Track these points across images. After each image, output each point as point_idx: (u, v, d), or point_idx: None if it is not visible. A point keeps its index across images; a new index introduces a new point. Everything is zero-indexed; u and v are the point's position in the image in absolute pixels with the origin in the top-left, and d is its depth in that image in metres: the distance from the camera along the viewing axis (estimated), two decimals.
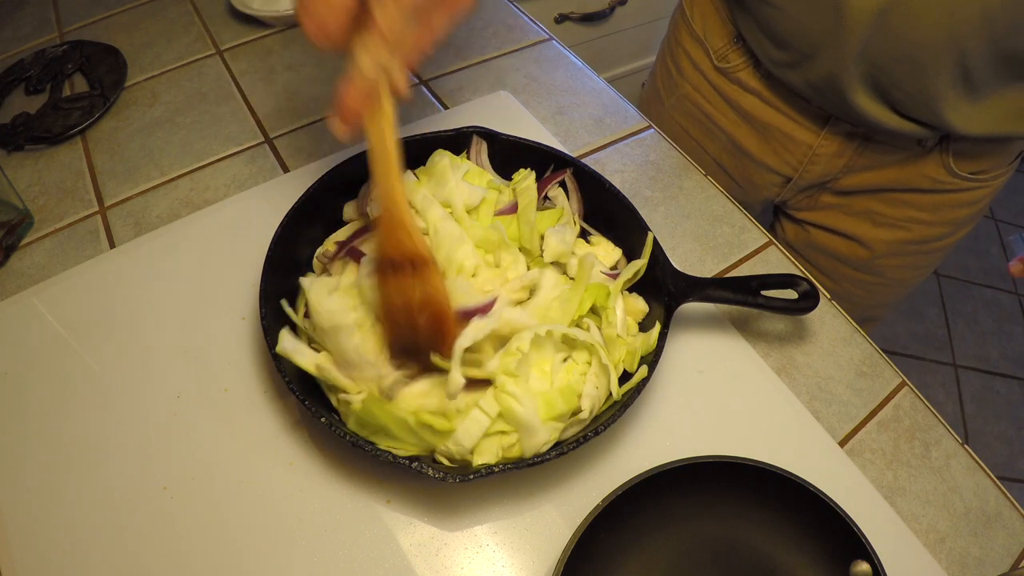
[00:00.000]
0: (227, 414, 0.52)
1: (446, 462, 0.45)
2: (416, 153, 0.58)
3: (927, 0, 0.55)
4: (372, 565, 0.46)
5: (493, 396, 0.45)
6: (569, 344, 0.50)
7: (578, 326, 0.50)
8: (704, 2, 0.78)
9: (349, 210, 0.59)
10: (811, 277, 0.56)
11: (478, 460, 0.45)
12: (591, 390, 0.47)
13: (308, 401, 0.45)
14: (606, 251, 0.58)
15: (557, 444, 0.46)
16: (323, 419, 0.44)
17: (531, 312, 0.49)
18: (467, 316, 0.46)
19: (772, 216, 0.94)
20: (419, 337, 0.46)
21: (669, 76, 0.86)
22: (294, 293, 0.53)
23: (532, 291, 0.51)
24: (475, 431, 0.44)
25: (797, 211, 0.85)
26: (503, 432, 0.45)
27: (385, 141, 0.45)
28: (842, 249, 0.82)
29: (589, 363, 0.49)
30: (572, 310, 0.50)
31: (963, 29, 0.55)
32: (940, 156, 0.70)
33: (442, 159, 0.56)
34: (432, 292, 0.46)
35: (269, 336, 0.47)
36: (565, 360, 0.49)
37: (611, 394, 0.48)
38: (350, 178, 0.56)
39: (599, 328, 0.51)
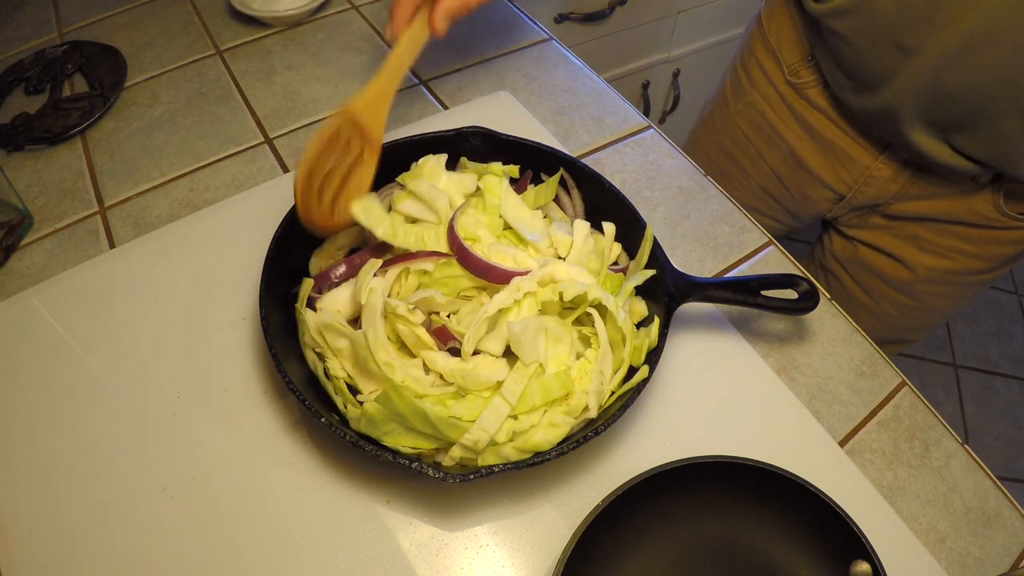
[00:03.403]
0: (227, 414, 0.52)
1: (449, 462, 0.45)
2: (416, 154, 0.58)
3: (989, 49, 0.56)
4: (372, 565, 0.46)
5: (512, 380, 0.46)
6: (583, 340, 0.50)
7: (587, 313, 0.50)
8: (782, 17, 0.80)
9: None
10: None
11: (483, 461, 0.45)
12: (596, 387, 0.47)
13: (308, 401, 0.45)
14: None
15: (557, 444, 0.46)
16: (323, 419, 0.44)
17: (571, 261, 0.53)
18: (505, 278, 0.50)
19: (820, 229, 0.95)
20: (322, 193, 0.52)
21: (739, 83, 0.88)
22: (293, 296, 0.53)
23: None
24: (495, 420, 0.44)
25: (847, 228, 0.87)
26: (513, 416, 0.46)
27: (404, 49, 0.58)
28: (886, 269, 0.84)
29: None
30: (603, 263, 0.54)
31: None
32: (991, 194, 0.71)
33: (427, 160, 0.57)
34: (358, 170, 0.54)
35: (269, 336, 0.47)
36: (579, 358, 0.49)
37: (614, 392, 0.48)
38: None
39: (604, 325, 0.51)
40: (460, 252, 0.51)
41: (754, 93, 0.85)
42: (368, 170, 0.54)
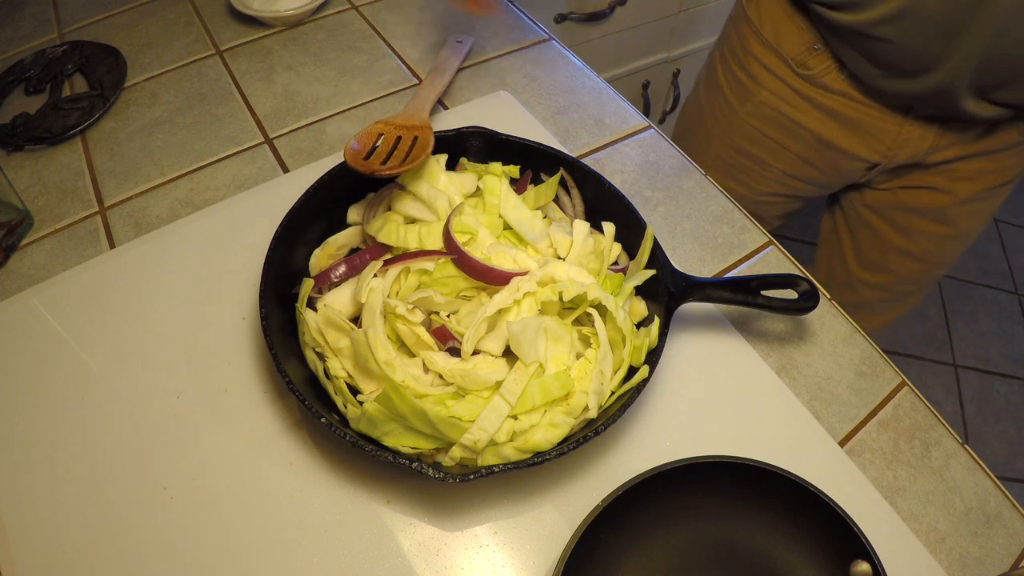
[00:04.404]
0: (227, 414, 0.52)
1: (449, 462, 0.45)
2: None
3: None
4: (372, 565, 0.46)
5: (512, 379, 0.46)
6: (583, 340, 0.50)
7: (587, 313, 0.50)
8: (775, 11, 0.79)
9: (353, 213, 0.59)
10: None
11: (483, 461, 0.45)
12: (596, 387, 0.47)
13: (308, 401, 0.45)
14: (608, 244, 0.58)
15: (557, 444, 0.46)
16: (323, 419, 0.44)
17: (571, 261, 0.52)
18: (503, 279, 0.50)
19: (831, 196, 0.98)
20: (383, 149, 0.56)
21: (740, 84, 0.86)
22: (293, 296, 0.53)
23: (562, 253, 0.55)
24: (494, 420, 0.44)
25: (880, 184, 0.88)
26: (513, 416, 0.46)
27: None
28: (922, 200, 0.86)
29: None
30: (602, 264, 0.54)
31: None
32: (1016, 124, 0.75)
33: (427, 160, 0.57)
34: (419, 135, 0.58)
35: (269, 336, 0.47)
36: (579, 358, 0.49)
37: (614, 392, 0.48)
38: (350, 179, 0.56)
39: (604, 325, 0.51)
40: (457, 255, 0.51)
41: (763, 92, 0.84)
42: (424, 140, 0.57)
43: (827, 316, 0.61)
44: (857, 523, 0.43)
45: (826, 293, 0.62)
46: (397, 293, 0.52)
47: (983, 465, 0.54)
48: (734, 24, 0.87)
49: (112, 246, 0.63)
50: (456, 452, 0.45)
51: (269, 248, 0.52)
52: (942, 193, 0.84)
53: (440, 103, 0.76)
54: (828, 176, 0.88)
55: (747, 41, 0.84)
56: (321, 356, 0.50)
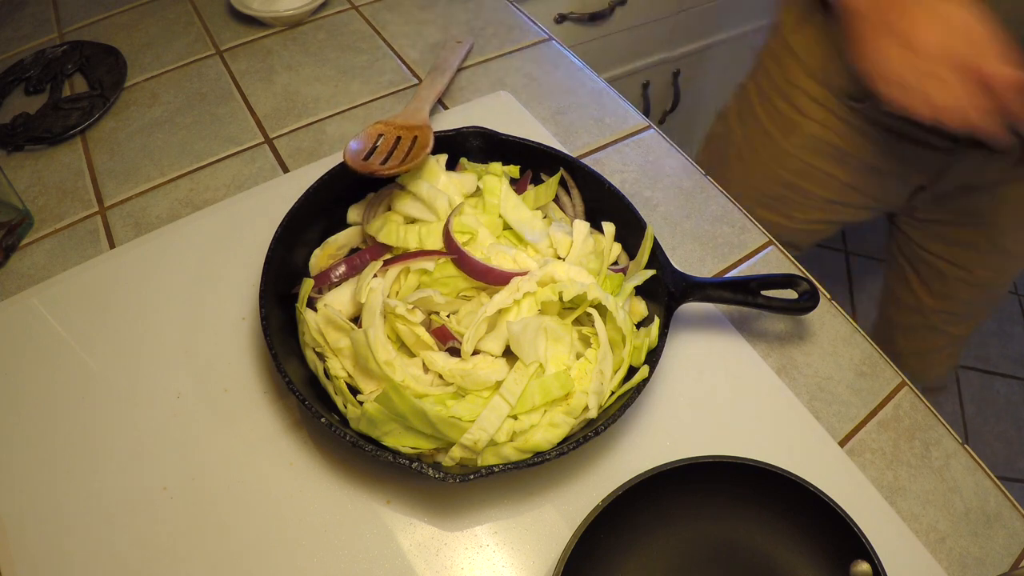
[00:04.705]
0: (227, 414, 0.52)
1: (449, 462, 0.45)
2: None
3: None
4: (372, 565, 0.46)
5: (512, 380, 0.46)
6: (583, 340, 0.50)
7: (587, 313, 0.50)
8: (823, 43, 0.78)
9: (353, 213, 0.59)
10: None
11: (483, 461, 0.45)
12: (596, 387, 0.47)
13: (308, 401, 0.45)
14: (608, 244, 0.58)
15: (557, 444, 0.46)
16: (323, 419, 0.44)
17: (571, 261, 0.52)
18: (503, 279, 0.50)
19: (889, 227, 1.00)
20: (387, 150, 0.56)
21: (783, 117, 0.85)
22: (293, 296, 0.53)
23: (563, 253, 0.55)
24: (494, 420, 0.44)
25: (923, 215, 0.89)
26: (513, 416, 0.46)
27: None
28: (969, 229, 0.87)
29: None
30: (602, 264, 0.54)
31: None
32: None
33: (427, 160, 0.57)
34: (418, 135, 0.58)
35: (269, 336, 0.47)
36: (579, 358, 0.49)
37: (614, 392, 0.48)
38: (350, 179, 0.56)
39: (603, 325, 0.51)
40: (457, 255, 0.51)
41: (811, 124, 0.83)
42: (424, 140, 0.57)
43: (827, 316, 0.61)
44: (857, 523, 0.43)
45: (826, 294, 0.62)
46: (397, 293, 0.52)
47: (983, 465, 0.54)
48: (772, 56, 0.86)
49: (112, 246, 0.63)
50: (456, 452, 0.45)
51: (269, 248, 0.52)
52: (990, 218, 0.84)
53: (440, 103, 0.76)
54: (873, 201, 0.88)
55: (790, 73, 0.82)
56: (321, 356, 0.50)
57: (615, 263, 0.58)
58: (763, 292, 0.53)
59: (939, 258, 0.93)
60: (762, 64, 0.89)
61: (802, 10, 0.79)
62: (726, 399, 0.54)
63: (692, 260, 0.64)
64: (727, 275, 0.63)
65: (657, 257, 0.54)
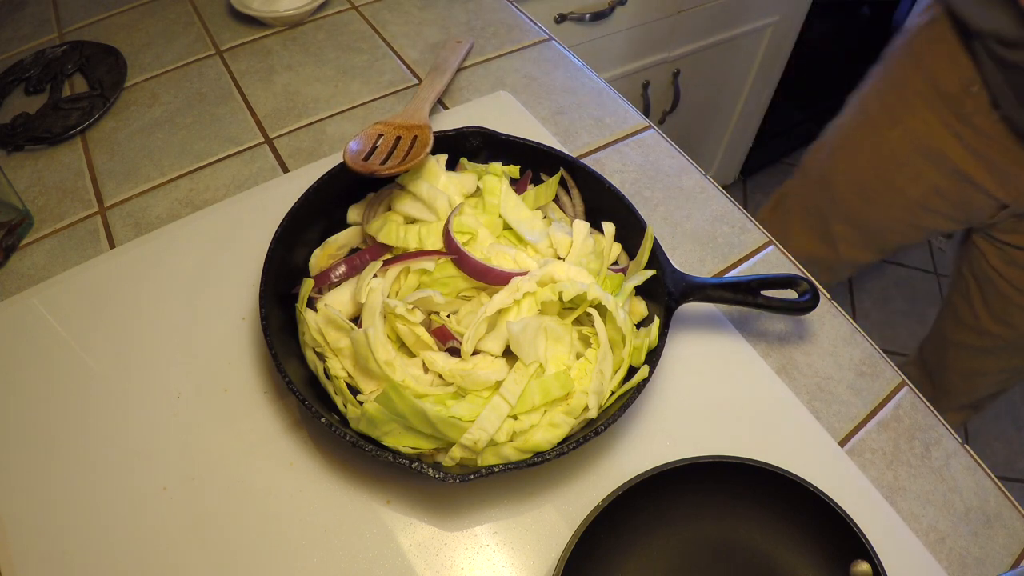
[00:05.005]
0: (227, 414, 0.52)
1: (449, 462, 0.45)
2: None
3: None
4: (372, 565, 0.46)
5: (512, 379, 0.46)
6: (583, 340, 0.50)
7: (587, 313, 0.50)
8: (940, 50, 0.82)
9: (353, 213, 0.59)
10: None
11: (483, 461, 0.45)
12: (596, 387, 0.47)
13: (308, 401, 0.45)
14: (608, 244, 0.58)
15: (557, 444, 0.46)
16: (323, 419, 0.44)
17: (571, 261, 0.52)
18: (503, 279, 0.50)
19: (964, 241, 1.03)
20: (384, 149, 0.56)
21: (891, 109, 0.90)
22: (293, 296, 0.53)
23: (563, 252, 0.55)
24: (494, 420, 0.44)
25: (1001, 234, 0.91)
26: (513, 416, 0.46)
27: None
28: None
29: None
30: (602, 264, 0.54)
31: None
32: None
33: (427, 160, 0.57)
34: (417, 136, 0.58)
35: (269, 336, 0.47)
36: (579, 358, 0.49)
37: (614, 392, 0.48)
38: (350, 179, 0.56)
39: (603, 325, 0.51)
40: (457, 255, 0.51)
41: (914, 120, 0.87)
42: (423, 139, 0.57)
43: (827, 316, 0.61)
44: (857, 523, 0.43)
45: (826, 294, 0.62)
46: (397, 293, 0.52)
47: (983, 465, 0.54)
48: (897, 57, 0.91)
49: (112, 246, 0.63)
50: (456, 452, 0.45)
51: (269, 248, 0.52)
52: None
53: (440, 103, 0.76)
54: (956, 210, 0.91)
55: (907, 73, 0.87)
56: (321, 356, 0.50)
57: (615, 263, 0.58)
58: (763, 292, 0.53)
59: (1006, 281, 0.95)
60: (887, 62, 0.94)
61: (940, 32, 0.83)
62: (726, 399, 0.54)
63: (692, 260, 0.64)
64: (727, 275, 0.63)
65: (657, 257, 0.54)
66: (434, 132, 0.59)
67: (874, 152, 0.94)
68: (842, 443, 0.53)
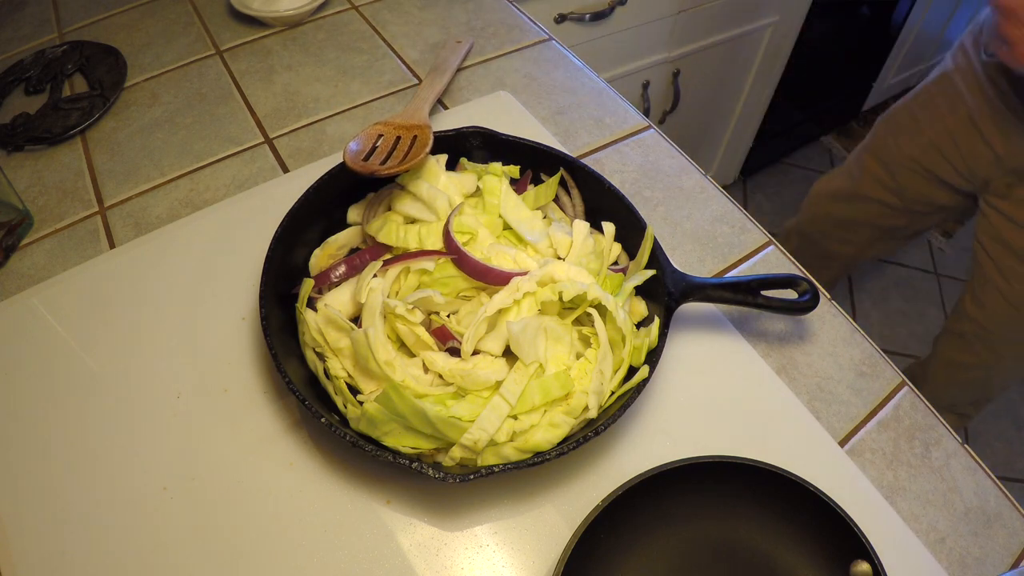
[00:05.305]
0: (227, 414, 0.52)
1: (449, 462, 0.45)
2: None
3: None
4: (372, 565, 0.46)
5: (512, 380, 0.46)
6: (583, 340, 0.50)
7: (587, 313, 0.50)
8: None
9: (353, 213, 0.59)
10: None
11: (483, 461, 0.45)
12: (596, 387, 0.47)
13: (308, 401, 0.45)
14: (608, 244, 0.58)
15: (557, 444, 0.46)
16: (323, 419, 0.44)
17: (571, 261, 0.52)
18: (503, 279, 0.50)
19: (976, 210, 1.09)
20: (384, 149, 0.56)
21: (945, 67, 1.01)
22: (293, 296, 0.53)
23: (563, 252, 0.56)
24: (494, 420, 0.44)
25: (996, 198, 0.99)
26: (513, 416, 0.46)
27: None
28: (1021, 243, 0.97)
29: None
30: (602, 264, 0.54)
31: None
32: None
33: (427, 160, 0.57)
34: (417, 136, 0.58)
35: (269, 336, 0.47)
36: (579, 358, 0.49)
37: (614, 392, 0.48)
38: (350, 179, 0.56)
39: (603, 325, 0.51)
40: (457, 255, 0.51)
41: (951, 66, 0.99)
42: (423, 139, 0.58)
43: (827, 316, 0.61)
44: (857, 523, 0.43)
45: (826, 294, 0.62)
46: (397, 293, 0.52)
47: (983, 465, 0.54)
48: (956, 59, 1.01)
49: (112, 246, 0.63)
50: (456, 452, 0.45)
51: (269, 248, 0.52)
52: None
53: (440, 103, 0.76)
54: (963, 161, 0.99)
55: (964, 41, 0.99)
56: (321, 356, 0.50)
57: (615, 263, 0.58)
58: (763, 292, 0.53)
59: (989, 256, 1.01)
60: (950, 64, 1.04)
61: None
62: (726, 399, 0.54)
63: (692, 260, 0.64)
64: (727, 275, 0.63)
65: (657, 257, 0.54)
66: (434, 132, 0.59)
67: (913, 94, 1.06)
68: (842, 443, 0.53)
